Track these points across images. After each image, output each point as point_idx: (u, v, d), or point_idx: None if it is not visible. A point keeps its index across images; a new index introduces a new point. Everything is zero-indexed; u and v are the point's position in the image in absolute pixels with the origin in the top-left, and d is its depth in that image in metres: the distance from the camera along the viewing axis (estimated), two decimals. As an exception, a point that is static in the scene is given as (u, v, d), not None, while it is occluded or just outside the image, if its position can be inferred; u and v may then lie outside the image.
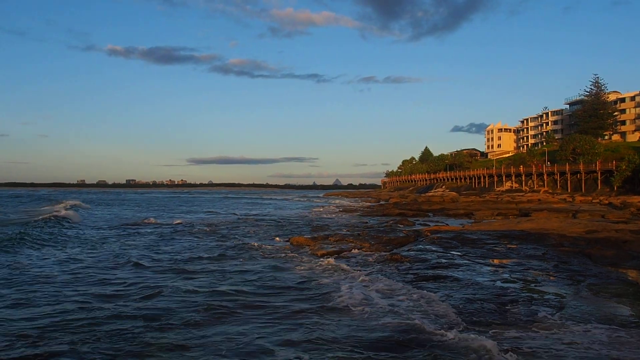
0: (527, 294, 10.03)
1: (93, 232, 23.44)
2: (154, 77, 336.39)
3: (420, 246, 16.88)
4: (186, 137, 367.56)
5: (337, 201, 74.22)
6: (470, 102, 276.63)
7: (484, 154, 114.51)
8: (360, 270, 12.71)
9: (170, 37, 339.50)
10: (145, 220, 30.65)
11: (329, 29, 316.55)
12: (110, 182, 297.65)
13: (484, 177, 77.74)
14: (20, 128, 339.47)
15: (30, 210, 40.41)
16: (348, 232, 21.87)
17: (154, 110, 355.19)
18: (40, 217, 29.54)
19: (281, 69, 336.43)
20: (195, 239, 20.49)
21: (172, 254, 15.83)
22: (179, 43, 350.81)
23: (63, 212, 32.58)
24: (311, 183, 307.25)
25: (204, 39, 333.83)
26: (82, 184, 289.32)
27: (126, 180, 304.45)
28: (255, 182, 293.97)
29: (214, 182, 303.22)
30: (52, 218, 28.50)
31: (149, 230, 24.21)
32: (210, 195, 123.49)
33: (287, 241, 19.14)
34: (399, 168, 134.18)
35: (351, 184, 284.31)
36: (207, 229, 24.33)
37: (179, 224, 28.25)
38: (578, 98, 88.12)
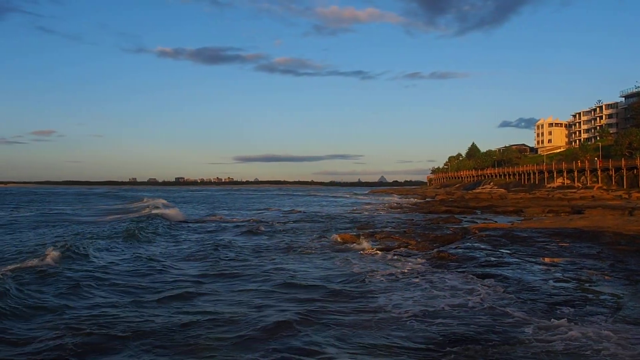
0: (581, 294, 9.68)
1: (196, 226, 25.94)
2: (201, 77, 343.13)
3: (468, 244, 16.58)
4: (233, 135, 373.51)
5: (382, 198, 73.84)
6: (519, 96, 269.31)
7: (533, 150, 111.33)
8: (407, 269, 12.61)
9: (217, 38, 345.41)
10: (221, 217, 32.87)
11: (374, 25, 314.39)
12: (160, 180, 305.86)
13: (534, 174, 75.58)
14: (76, 128, 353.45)
15: (125, 208, 43.22)
16: (394, 230, 21.72)
17: (201, 110, 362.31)
18: (143, 213, 31.91)
19: (325, 67, 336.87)
20: (257, 236, 21.18)
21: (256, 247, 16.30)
22: (226, 43, 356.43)
23: (166, 210, 33.72)
24: (356, 180, 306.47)
25: (249, 39, 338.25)
26: (133, 182, 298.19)
27: (175, 178, 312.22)
28: (301, 180, 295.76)
29: (259, 179, 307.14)
30: (156, 215, 29.83)
31: (231, 226, 25.80)
32: (258, 192, 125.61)
33: (332, 238, 19.18)
34: (445, 164, 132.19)
35: (396, 181, 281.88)
36: (262, 228, 24.76)
37: (245, 221, 29.34)
38: (635, 90, 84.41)
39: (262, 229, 23.66)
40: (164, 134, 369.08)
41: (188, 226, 26.05)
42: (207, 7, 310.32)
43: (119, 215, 32.86)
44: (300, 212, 38.41)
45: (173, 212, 32.68)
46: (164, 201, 49.47)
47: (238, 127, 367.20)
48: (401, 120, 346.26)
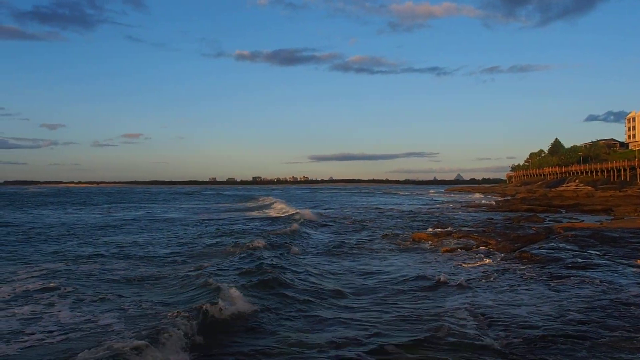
0: (682, 300, 8.96)
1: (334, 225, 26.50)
2: (277, 78, 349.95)
3: (553, 244, 15.78)
4: (308, 134, 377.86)
5: (459, 196, 72.04)
6: (607, 88, 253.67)
7: (624, 145, 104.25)
8: (486, 269, 12.22)
9: (292, 39, 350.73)
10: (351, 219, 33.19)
11: (450, 20, 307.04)
12: (238, 180, 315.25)
13: (625, 170, 70.81)
14: (161, 131, 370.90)
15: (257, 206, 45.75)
16: (472, 229, 21.10)
17: (278, 110, 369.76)
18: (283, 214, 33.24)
19: (400, 64, 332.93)
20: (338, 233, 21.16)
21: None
22: (301, 44, 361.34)
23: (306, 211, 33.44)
24: (432, 178, 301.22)
25: (324, 39, 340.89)
26: (213, 181, 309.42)
27: (252, 178, 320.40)
28: (375, 178, 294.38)
29: (334, 178, 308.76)
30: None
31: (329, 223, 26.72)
32: (333, 190, 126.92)
33: (408, 236, 18.94)
34: (525, 161, 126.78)
35: (474, 179, 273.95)
36: (348, 222, 25.29)
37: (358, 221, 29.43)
38: None
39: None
40: (241, 134, 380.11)
41: (328, 225, 25.69)
42: (283, 10, 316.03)
43: (255, 212, 34.14)
44: (375, 210, 38.22)
45: (306, 212, 30.94)
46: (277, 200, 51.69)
47: (313, 126, 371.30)
48: (478, 116, 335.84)
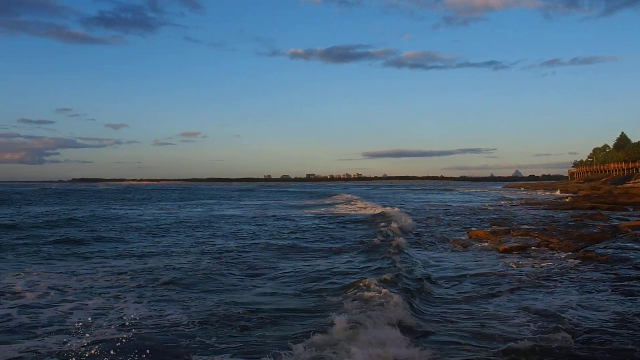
0: None
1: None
2: (331, 75, 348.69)
3: (620, 243, 15.08)
4: (362, 131, 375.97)
5: (518, 193, 69.98)
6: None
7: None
8: (548, 269, 11.83)
9: (346, 36, 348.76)
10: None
11: (508, 12, 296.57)
12: (292, 177, 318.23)
13: (699, 165, 66.76)
14: (219, 129, 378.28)
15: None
16: (532, 227, 20.46)
17: (331, 107, 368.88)
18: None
19: (456, 59, 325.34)
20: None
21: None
22: (355, 41, 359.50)
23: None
24: (488, 175, 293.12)
25: (378, 35, 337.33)
26: (268, 179, 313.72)
27: (306, 175, 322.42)
28: (430, 175, 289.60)
29: (388, 175, 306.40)
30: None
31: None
32: (391, 187, 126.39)
33: (465, 234, 18.60)
34: (589, 157, 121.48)
35: (533, 175, 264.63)
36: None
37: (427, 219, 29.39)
38: None
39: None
40: (295, 132, 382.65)
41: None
42: (337, 7, 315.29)
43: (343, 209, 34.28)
44: (430, 206, 37.72)
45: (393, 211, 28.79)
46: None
47: (367, 123, 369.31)
48: (538, 110, 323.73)
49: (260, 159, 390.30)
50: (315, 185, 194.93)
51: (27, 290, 9.68)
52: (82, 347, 6.48)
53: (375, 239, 16.49)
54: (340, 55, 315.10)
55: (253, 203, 49.31)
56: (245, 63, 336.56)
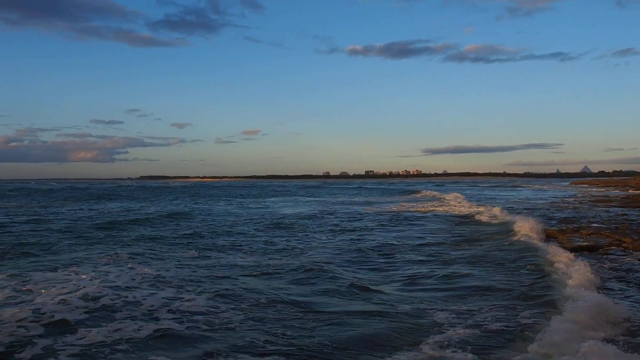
0: None
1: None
2: (390, 71, 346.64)
3: (699, 243, 14.41)
4: (421, 127, 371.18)
5: (587, 190, 67.10)
6: None
7: None
8: (620, 271, 11.50)
9: (405, 32, 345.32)
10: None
11: (577, 1, 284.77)
12: (351, 174, 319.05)
13: None
14: (277, 127, 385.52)
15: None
16: (603, 225, 19.77)
17: (390, 103, 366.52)
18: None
19: (520, 51, 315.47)
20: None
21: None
22: (414, 36, 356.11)
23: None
24: (554, 171, 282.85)
25: (438, 29, 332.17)
26: (327, 176, 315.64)
27: (365, 172, 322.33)
28: (492, 171, 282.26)
29: (448, 171, 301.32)
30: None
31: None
32: (456, 184, 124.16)
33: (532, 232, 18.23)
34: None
35: (602, 172, 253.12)
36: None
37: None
38: None
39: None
40: (354, 129, 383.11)
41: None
42: (396, 3, 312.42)
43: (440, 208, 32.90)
44: (496, 204, 36.98)
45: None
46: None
47: (426, 119, 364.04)
48: (608, 103, 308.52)
49: (318, 156, 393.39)
50: (377, 182, 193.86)
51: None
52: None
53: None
54: (400, 50, 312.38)
55: (348, 199, 49.63)
56: (304, 61, 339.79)
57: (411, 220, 24.68)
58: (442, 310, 8.32)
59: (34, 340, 6.62)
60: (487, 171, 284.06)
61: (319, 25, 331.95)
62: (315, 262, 12.51)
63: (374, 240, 17.42)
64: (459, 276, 11.04)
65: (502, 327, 7.30)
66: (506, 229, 18.82)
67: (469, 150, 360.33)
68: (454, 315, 7.96)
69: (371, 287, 9.97)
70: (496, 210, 26.67)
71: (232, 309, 8.27)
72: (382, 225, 22.68)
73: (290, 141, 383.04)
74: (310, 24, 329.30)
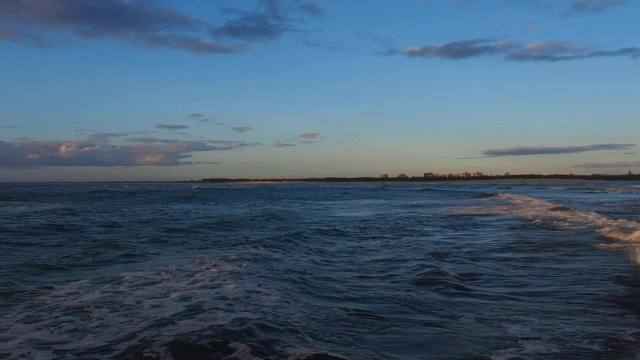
0: None
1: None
2: (449, 72, 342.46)
3: None
4: (482, 128, 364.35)
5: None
6: None
7: None
8: None
9: (465, 31, 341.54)
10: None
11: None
12: (409, 176, 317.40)
13: None
14: (335, 130, 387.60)
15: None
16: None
17: (449, 104, 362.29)
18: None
19: (587, 48, 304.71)
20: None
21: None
22: (474, 36, 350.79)
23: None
24: (626, 173, 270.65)
25: (499, 28, 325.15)
26: (385, 178, 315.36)
27: (424, 174, 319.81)
28: (557, 173, 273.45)
29: (510, 173, 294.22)
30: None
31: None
32: (520, 187, 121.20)
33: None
34: None
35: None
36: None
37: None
38: None
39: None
40: (412, 130, 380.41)
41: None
42: (455, 2, 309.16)
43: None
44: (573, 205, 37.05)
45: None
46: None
47: (488, 119, 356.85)
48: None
49: (376, 158, 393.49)
50: (437, 184, 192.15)
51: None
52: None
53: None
54: (459, 51, 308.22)
55: (427, 202, 49.02)
56: (363, 63, 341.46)
57: (494, 223, 25.26)
58: (515, 321, 7.90)
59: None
60: (552, 173, 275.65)
61: (378, 27, 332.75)
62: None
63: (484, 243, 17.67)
64: (537, 286, 10.41)
65: (589, 344, 6.70)
66: (598, 234, 18.67)
67: (533, 151, 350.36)
68: (529, 328, 7.47)
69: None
70: (590, 215, 26.16)
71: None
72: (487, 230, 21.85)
73: (348, 144, 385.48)
74: (369, 26, 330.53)
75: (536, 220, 24.98)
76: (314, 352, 6.17)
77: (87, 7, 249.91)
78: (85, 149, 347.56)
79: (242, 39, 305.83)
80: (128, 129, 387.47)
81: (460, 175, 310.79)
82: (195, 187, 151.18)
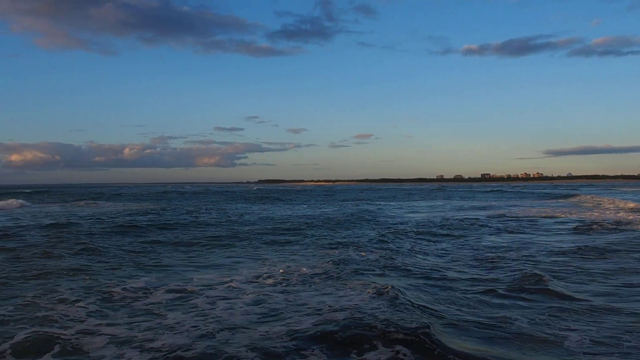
0: None
1: None
2: (508, 70, 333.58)
3: None
4: (542, 127, 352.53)
5: None
6: None
7: None
8: None
9: (524, 28, 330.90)
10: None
11: None
12: (465, 177, 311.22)
13: None
14: (390, 130, 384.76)
15: None
16: None
17: (508, 103, 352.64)
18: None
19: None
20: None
21: None
22: (534, 32, 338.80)
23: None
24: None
25: (561, 23, 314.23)
26: (440, 179, 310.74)
27: (481, 175, 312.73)
28: (624, 173, 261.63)
29: (572, 174, 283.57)
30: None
31: None
32: (589, 187, 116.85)
33: None
34: None
35: None
36: None
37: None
38: None
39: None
40: (469, 130, 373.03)
41: None
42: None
43: None
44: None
45: None
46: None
47: (548, 118, 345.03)
48: None
49: (431, 159, 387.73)
50: (498, 184, 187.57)
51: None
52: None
53: None
54: (518, 48, 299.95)
55: (519, 203, 47.24)
56: (417, 63, 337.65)
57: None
58: (572, 329, 7.76)
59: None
60: (619, 173, 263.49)
61: (433, 26, 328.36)
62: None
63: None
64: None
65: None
66: None
67: (598, 150, 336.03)
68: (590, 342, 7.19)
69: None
70: None
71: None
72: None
73: (402, 144, 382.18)
74: (424, 26, 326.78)
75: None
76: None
77: (149, 15, 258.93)
78: (147, 151, 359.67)
79: (297, 42, 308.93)
80: (187, 132, 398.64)
81: (519, 176, 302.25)
82: (255, 188, 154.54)
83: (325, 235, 20.78)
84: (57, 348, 6.92)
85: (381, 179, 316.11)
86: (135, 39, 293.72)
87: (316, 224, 25.92)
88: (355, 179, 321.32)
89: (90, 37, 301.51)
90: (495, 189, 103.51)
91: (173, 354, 6.59)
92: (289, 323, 7.84)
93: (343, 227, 24.57)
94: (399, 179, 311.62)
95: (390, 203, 51.67)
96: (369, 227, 24.24)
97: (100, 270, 12.68)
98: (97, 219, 29.32)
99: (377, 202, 53.14)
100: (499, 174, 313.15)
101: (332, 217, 30.51)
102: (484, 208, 40.70)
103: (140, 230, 22.90)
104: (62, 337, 7.29)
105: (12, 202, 47.59)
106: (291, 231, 22.27)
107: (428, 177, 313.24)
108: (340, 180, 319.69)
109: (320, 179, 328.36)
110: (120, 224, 24.89)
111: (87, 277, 11.58)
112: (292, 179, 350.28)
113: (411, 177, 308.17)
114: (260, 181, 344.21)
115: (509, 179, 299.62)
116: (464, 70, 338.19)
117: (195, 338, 7.23)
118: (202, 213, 34.76)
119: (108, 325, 7.99)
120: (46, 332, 7.46)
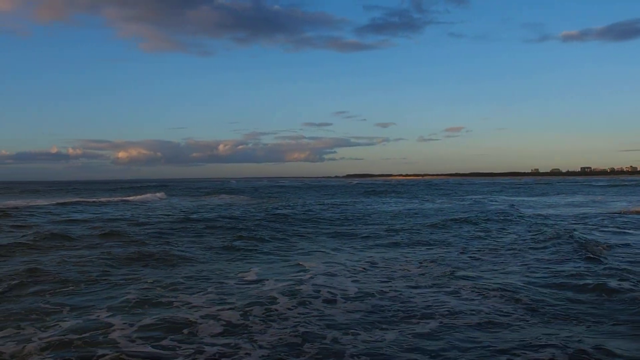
0: None
1: None
2: (612, 56, 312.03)
3: None
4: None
5: None
6: None
7: None
8: None
9: (631, 9, 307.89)
10: None
11: None
12: (564, 171, 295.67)
13: None
14: (482, 123, 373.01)
15: None
16: None
17: (612, 92, 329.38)
18: None
19: None
20: None
21: None
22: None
23: None
24: None
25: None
26: (535, 173, 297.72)
27: (581, 168, 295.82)
28: None
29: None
30: None
31: None
32: None
33: None
34: None
35: None
36: None
37: None
38: None
39: None
40: (567, 121, 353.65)
41: None
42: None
43: None
44: None
45: None
46: None
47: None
48: None
49: (525, 152, 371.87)
50: (607, 179, 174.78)
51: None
52: None
53: None
54: (624, 31, 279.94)
55: None
56: (511, 52, 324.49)
57: None
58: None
59: None
60: None
61: (528, 13, 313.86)
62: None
63: None
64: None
65: None
66: None
67: None
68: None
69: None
70: None
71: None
72: None
73: (495, 137, 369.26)
74: (518, 12, 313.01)
75: None
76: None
77: (242, 16, 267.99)
78: (240, 147, 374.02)
79: (385, 35, 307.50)
80: (278, 128, 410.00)
81: (625, 169, 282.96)
82: (355, 182, 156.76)
83: (481, 235, 20.06)
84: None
85: (472, 173, 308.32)
86: (229, 39, 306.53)
87: (458, 218, 25.69)
88: (444, 173, 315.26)
89: (188, 39, 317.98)
90: (614, 184, 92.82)
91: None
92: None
93: (495, 223, 23.86)
94: (490, 173, 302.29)
95: (513, 198, 50.41)
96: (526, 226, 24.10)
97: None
98: (247, 211, 31.64)
99: (496, 197, 52.06)
100: (601, 167, 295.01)
101: (464, 213, 29.66)
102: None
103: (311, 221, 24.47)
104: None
105: (151, 195, 51.83)
106: (440, 229, 21.69)
107: (522, 171, 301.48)
108: (429, 175, 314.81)
109: (409, 173, 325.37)
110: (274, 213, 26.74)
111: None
112: (379, 173, 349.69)
113: (504, 171, 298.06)
114: (348, 175, 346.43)
115: (613, 172, 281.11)
116: (563, 57, 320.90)
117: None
118: (337, 207, 36.10)
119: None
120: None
